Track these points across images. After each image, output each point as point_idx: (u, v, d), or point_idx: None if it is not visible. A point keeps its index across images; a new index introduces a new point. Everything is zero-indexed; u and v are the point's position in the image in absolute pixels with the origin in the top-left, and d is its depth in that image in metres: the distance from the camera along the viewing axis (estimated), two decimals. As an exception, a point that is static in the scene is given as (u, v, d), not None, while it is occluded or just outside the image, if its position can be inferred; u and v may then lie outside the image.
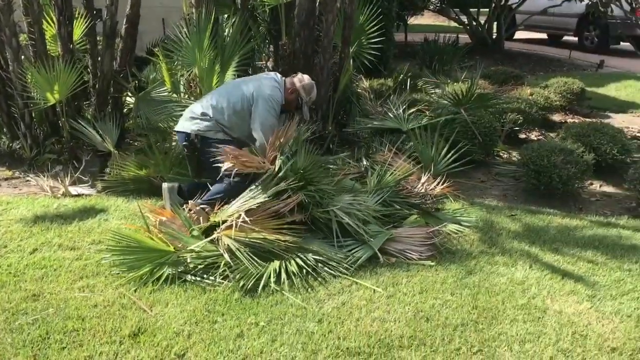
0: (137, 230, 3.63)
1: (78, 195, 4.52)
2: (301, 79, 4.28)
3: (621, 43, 14.19)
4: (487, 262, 3.61)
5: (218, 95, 4.19)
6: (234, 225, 3.36)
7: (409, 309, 3.07)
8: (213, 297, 3.11)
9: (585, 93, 7.79)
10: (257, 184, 3.69)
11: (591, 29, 13.97)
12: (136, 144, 5.74)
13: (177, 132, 4.24)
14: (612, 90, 9.42)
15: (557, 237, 4.02)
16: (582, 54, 13.20)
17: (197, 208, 3.75)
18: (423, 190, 4.31)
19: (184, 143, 4.14)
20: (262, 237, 3.38)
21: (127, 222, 3.96)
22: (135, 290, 3.15)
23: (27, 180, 4.82)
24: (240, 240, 3.35)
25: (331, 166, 4.72)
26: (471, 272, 3.47)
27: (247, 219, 3.38)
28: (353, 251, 3.56)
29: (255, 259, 3.31)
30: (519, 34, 15.61)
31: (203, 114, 4.08)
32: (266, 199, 3.55)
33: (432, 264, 3.54)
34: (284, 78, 4.31)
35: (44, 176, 4.81)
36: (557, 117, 7.31)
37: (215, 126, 4.06)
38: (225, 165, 3.67)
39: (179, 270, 3.30)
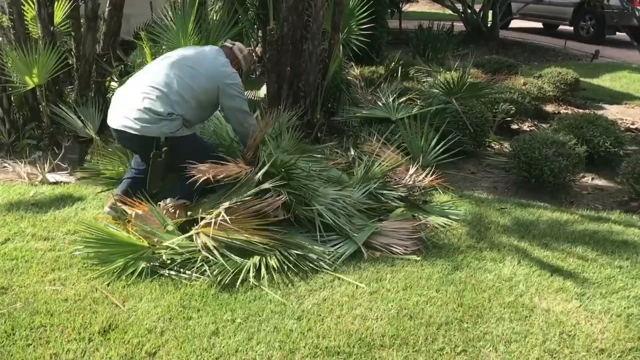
0: (112, 223, 3.51)
1: (56, 183, 4.38)
2: (241, 49, 3.93)
3: (617, 33, 14.08)
4: (474, 257, 3.51)
5: (175, 86, 3.55)
6: (212, 223, 3.22)
7: (392, 306, 2.97)
8: (189, 292, 3.00)
9: (580, 84, 7.67)
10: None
11: (587, 19, 13.83)
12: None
13: (137, 135, 3.48)
14: (607, 80, 9.31)
15: (547, 231, 3.91)
16: (577, 44, 13.07)
17: (175, 202, 3.61)
18: (411, 182, 4.20)
19: (146, 149, 3.54)
20: (243, 237, 3.22)
21: (104, 213, 3.82)
22: (108, 284, 3.03)
23: (4, 167, 4.67)
24: (219, 239, 3.21)
25: (318, 156, 4.60)
26: (458, 268, 3.37)
27: (226, 217, 3.22)
28: (337, 246, 3.44)
29: (234, 257, 3.18)
30: (514, 23, 15.46)
31: (170, 114, 3.48)
32: (247, 197, 3.40)
33: (418, 258, 3.43)
34: (216, 48, 3.91)
35: (22, 162, 4.68)
36: (550, 108, 7.20)
37: (182, 123, 3.56)
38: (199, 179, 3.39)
39: (155, 264, 3.17)
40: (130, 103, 3.53)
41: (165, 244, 3.23)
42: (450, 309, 2.97)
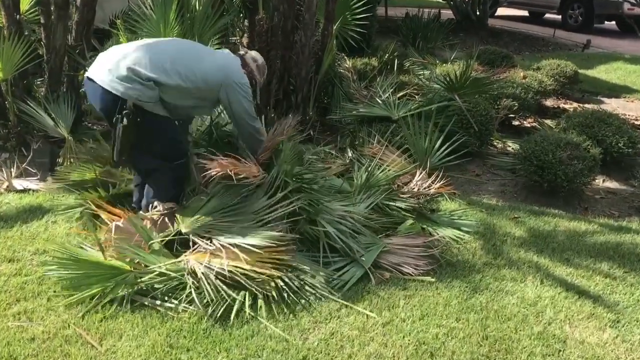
0: (87, 241, 3.10)
1: (24, 191, 3.93)
2: (254, 58, 3.49)
3: (606, 22, 13.86)
4: (493, 276, 3.17)
5: (173, 58, 3.15)
6: (208, 253, 2.83)
7: (409, 340, 2.62)
8: (177, 326, 2.61)
9: (578, 76, 7.37)
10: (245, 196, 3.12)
11: (575, 7, 13.56)
12: (95, 128, 5.17)
13: (102, 89, 3.04)
14: (602, 72, 9.04)
15: (567, 244, 3.59)
16: (565, 33, 12.81)
17: (163, 206, 3.20)
18: (417, 189, 3.83)
19: (109, 111, 3.06)
20: (243, 269, 2.80)
21: (77, 225, 3.40)
22: (82, 317, 2.62)
23: (-33, 171, 4.21)
24: (213, 268, 2.80)
25: (314, 157, 4.22)
26: (477, 290, 3.03)
27: (222, 248, 2.85)
28: (342, 270, 3.06)
29: (226, 289, 2.75)
30: (500, 11, 15.14)
31: (148, 79, 3.03)
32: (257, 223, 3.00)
33: (432, 280, 3.08)
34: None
35: (-14, 166, 4.22)
36: (549, 102, 6.90)
37: (156, 98, 3.10)
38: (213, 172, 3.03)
39: (136, 290, 2.77)
40: (115, 55, 3.12)
41: (151, 267, 2.82)
42: (475, 343, 2.63)
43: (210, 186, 3.15)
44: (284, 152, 3.36)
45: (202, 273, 2.74)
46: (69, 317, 2.62)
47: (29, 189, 3.96)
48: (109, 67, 3.06)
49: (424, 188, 3.87)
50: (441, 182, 3.94)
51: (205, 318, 2.65)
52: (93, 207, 3.33)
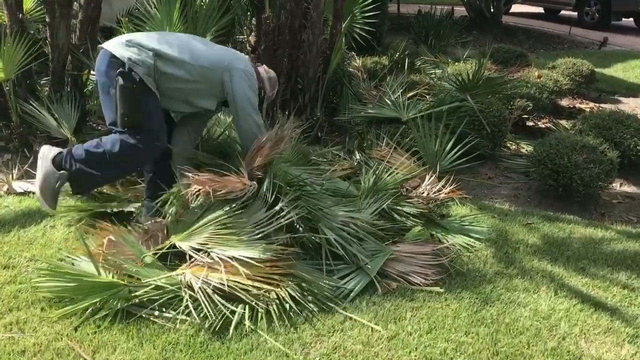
0: (82, 253, 2.99)
1: (24, 194, 3.85)
2: (267, 70, 3.43)
3: (623, 19, 13.59)
4: (504, 287, 3.04)
5: (178, 39, 3.23)
6: (205, 267, 2.73)
7: (415, 356, 2.49)
8: (173, 339, 2.50)
9: (595, 75, 7.18)
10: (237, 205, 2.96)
11: (592, 4, 13.31)
12: (100, 128, 5.08)
13: (106, 51, 3.05)
14: (619, 71, 8.83)
15: (582, 252, 3.45)
16: (582, 30, 12.57)
17: (150, 221, 3.11)
18: (426, 194, 3.70)
19: (104, 70, 3.04)
20: (242, 284, 2.68)
21: (76, 231, 3.31)
22: (76, 329, 2.53)
23: (-33, 173, 4.14)
24: (210, 282, 2.67)
25: (320, 159, 4.11)
26: (487, 302, 2.89)
27: (220, 261, 2.73)
28: (346, 279, 2.93)
29: (224, 302, 2.64)
30: (515, 8, 14.90)
31: (150, 49, 3.04)
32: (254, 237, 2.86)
33: (441, 290, 2.95)
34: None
35: (-13, 168, 4.15)
36: (565, 102, 6.72)
37: (150, 64, 3.03)
38: (190, 190, 2.91)
39: (131, 302, 2.67)
40: (128, 35, 3.20)
41: (146, 281, 2.72)
42: (484, 359, 2.50)
43: (198, 200, 2.99)
44: (275, 164, 3.19)
45: (200, 288, 2.63)
46: (62, 328, 2.52)
47: (30, 192, 3.87)
48: (117, 38, 3.13)
49: (434, 192, 3.73)
50: (452, 186, 3.80)
51: (203, 331, 2.54)
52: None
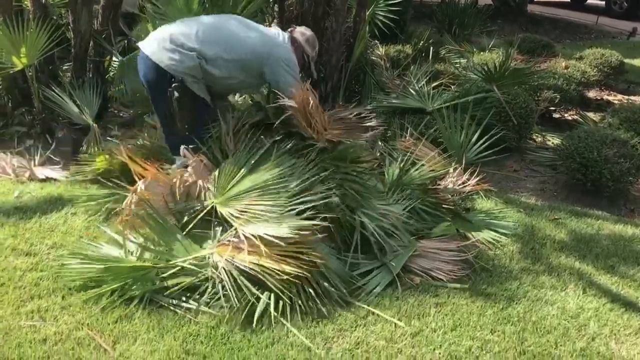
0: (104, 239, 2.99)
1: (45, 180, 3.84)
2: (303, 32, 3.50)
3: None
4: (531, 284, 2.96)
5: (215, 30, 3.24)
6: (231, 246, 2.69)
7: (439, 353, 2.44)
8: (194, 330, 2.47)
9: (624, 66, 7.00)
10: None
11: (620, -7, 13.02)
12: (121, 115, 5.07)
13: (151, 60, 3.17)
14: (649, 62, 8.62)
15: (612, 250, 3.36)
16: (609, 20, 12.30)
17: (194, 161, 3.10)
18: (451, 186, 3.62)
19: (155, 81, 3.22)
20: (266, 268, 2.61)
21: (96, 218, 3.29)
22: (97, 318, 2.51)
23: (-9, 158, 4.13)
24: (237, 265, 2.63)
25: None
26: (513, 299, 2.82)
27: (245, 239, 2.69)
28: (369, 276, 2.87)
29: (250, 286, 2.60)
30: (540, -4, 14.65)
31: (191, 49, 3.12)
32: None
33: (466, 286, 2.89)
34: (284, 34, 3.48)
35: (10, 153, 4.14)
36: (592, 94, 6.57)
37: (197, 70, 3.17)
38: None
39: (155, 289, 2.64)
40: (165, 29, 3.27)
41: (171, 262, 2.69)
42: (511, 358, 2.45)
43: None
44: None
45: (224, 269, 2.59)
46: (83, 317, 2.51)
47: (51, 178, 3.87)
48: (157, 39, 3.21)
49: (459, 185, 3.66)
50: (477, 179, 3.72)
51: (224, 323, 2.51)
52: (124, 157, 3.19)
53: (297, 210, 2.77)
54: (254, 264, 2.62)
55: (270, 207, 2.78)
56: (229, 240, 2.74)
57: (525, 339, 2.56)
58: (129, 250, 2.80)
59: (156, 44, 3.19)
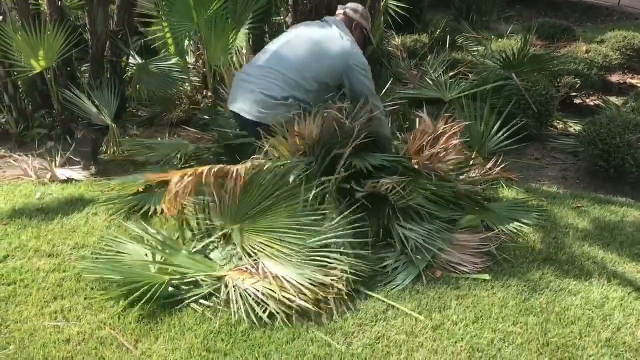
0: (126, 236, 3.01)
1: (67, 181, 3.89)
2: (355, 9, 3.54)
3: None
4: (554, 274, 2.92)
5: (297, 67, 3.26)
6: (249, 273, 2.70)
7: (462, 347, 2.42)
8: (214, 328, 2.48)
9: (648, 49, 6.84)
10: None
11: (643, -28, 12.71)
12: (140, 114, 5.11)
13: (251, 121, 3.26)
14: (673, 43, 8.40)
15: (637, 237, 3.30)
16: (632, 1, 12.02)
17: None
18: (475, 176, 3.58)
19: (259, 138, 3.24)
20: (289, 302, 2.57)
21: (117, 218, 3.32)
22: (119, 318, 2.53)
23: (12, 162, 4.19)
24: (252, 291, 2.62)
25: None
26: (536, 290, 2.79)
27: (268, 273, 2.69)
28: (392, 267, 2.86)
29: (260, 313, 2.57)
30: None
31: (286, 98, 3.23)
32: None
33: (488, 278, 2.85)
34: (336, 21, 3.50)
35: (32, 155, 4.20)
36: (615, 78, 6.44)
37: (301, 109, 3.24)
38: None
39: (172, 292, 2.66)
40: (248, 85, 3.32)
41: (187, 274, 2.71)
42: (534, 350, 2.41)
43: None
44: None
45: (241, 294, 2.61)
46: (106, 317, 2.53)
47: (72, 179, 3.91)
48: (248, 99, 3.27)
49: (482, 175, 3.61)
50: (499, 168, 3.68)
51: (244, 320, 2.51)
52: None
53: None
54: (265, 291, 2.61)
55: (289, 253, 2.76)
56: (247, 268, 2.74)
57: (548, 330, 2.53)
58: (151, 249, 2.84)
59: (250, 104, 3.25)
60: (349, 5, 3.58)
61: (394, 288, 2.76)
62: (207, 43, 4.56)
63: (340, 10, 3.58)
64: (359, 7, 3.57)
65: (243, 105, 3.29)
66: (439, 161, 3.21)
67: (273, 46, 3.46)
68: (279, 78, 3.25)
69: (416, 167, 3.19)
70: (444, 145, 3.22)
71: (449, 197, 3.26)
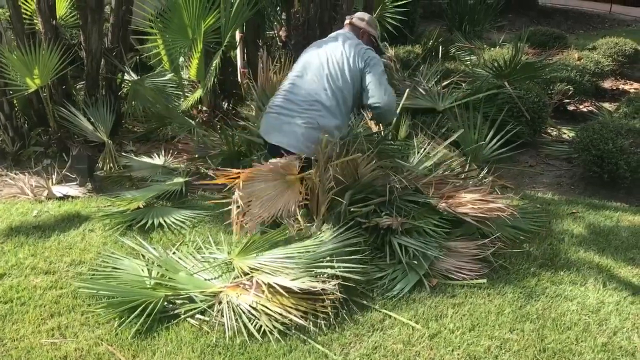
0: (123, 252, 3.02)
1: (63, 198, 3.90)
2: (361, 18, 3.54)
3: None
4: (549, 280, 2.93)
5: (327, 93, 3.23)
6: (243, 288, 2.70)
7: (458, 354, 2.42)
8: (211, 342, 2.48)
9: (639, 54, 6.90)
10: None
11: (633, -21, 12.85)
12: (136, 129, 5.14)
13: (296, 154, 3.17)
14: (665, 48, 8.47)
15: (631, 241, 3.31)
16: (623, 8, 12.17)
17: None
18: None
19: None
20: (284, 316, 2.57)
21: (115, 234, 3.34)
22: (116, 334, 2.53)
23: (8, 180, 4.20)
24: (245, 307, 2.62)
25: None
26: (532, 296, 2.79)
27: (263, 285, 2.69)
28: (391, 275, 2.87)
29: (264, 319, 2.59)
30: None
31: (338, 126, 3.25)
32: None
33: (483, 281, 2.86)
34: (345, 30, 3.53)
35: (28, 173, 4.21)
36: (607, 84, 6.48)
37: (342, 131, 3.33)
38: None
39: (171, 306, 2.67)
40: (287, 118, 3.24)
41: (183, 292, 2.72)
42: (531, 357, 2.41)
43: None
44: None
45: (234, 310, 2.61)
46: (103, 333, 2.53)
47: (68, 196, 3.92)
48: (290, 131, 3.20)
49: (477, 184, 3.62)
50: (493, 176, 3.70)
51: (241, 332, 2.51)
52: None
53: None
54: (258, 306, 2.61)
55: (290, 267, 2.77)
56: (242, 284, 2.75)
57: (545, 336, 2.53)
58: (147, 264, 2.85)
59: (294, 138, 3.19)
60: (356, 14, 3.61)
61: (391, 297, 2.76)
62: (192, 59, 4.62)
63: (347, 21, 3.60)
64: (365, 15, 3.59)
65: (287, 138, 3.21)
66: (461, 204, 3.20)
67: (300, 76, 3.38)
68: (324, 106, 3.22)
69: (439, 208, 3.18)
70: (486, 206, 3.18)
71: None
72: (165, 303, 2.67)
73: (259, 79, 4.26)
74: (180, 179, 3.97)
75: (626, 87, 6.55)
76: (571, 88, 5.24)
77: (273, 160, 3.11)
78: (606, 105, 5.71)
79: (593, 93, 5.78)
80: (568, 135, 4.97)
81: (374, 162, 3.22)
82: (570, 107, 5.64)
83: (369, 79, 3.27)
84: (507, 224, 3.31)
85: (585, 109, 5.68)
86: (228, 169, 3.06)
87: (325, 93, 3.23)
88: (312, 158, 3.14)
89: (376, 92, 3.26)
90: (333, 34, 3.56)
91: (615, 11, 11.73)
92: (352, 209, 3.09)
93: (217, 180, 3.04)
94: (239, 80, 5.53)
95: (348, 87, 3.26)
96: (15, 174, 4.22)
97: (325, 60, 3.31)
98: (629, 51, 6.66)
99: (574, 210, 3.67)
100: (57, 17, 4.71)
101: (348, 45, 3.35)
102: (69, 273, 2.99)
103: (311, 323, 2.56)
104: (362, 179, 3.21)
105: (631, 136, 3.88)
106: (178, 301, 2.70)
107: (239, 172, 2.99)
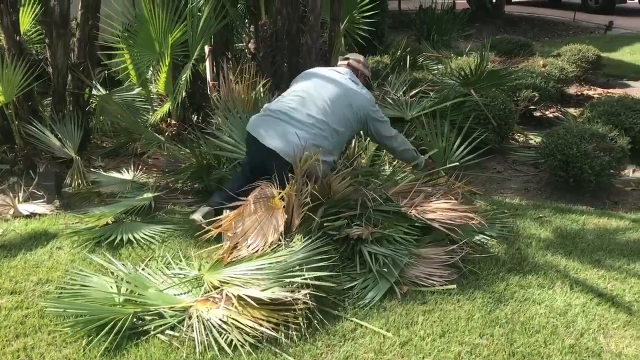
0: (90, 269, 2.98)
1: (30, 216, 3.83)
2: (357, 60, 3.80)
3: (628, 1, 13.42)
4: (518, 284, 2.97)
5: (328, 119, 3.37)
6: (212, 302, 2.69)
7: (429, 361, 2.44)
8: (182, 357, 2.46)
9: (602, 60, 7.07)
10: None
11: (595, -13, 13.17)
12: (104, 145, 5.08)
13: (286, 162, 3.25)
14: (627, 54, 8.71)
15: (597, 244, 3.37)
16: (586, 15, 12.46)
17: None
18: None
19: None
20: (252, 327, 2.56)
21: (83, 251, 3.29)
22: (84, 353, 2.49)
23: (-26, 199, 4.13)
24: (216, 321, 2.60)
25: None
26: (501, 301, 2.83)
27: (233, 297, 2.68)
28: (362, 284, 2.88)
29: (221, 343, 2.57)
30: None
31: (330, 152, 3.42)
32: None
33: (453, 287, 2.89)
34: (348, 70, 3.70)
35: (-6, 192, 4.14)
36: (572, 90, 6.62)
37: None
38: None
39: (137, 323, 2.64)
40: (292, 129, 3.32)
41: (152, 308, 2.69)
42: (501, 361, 2.44)
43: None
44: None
45: (203, 324, 2.59)
46: (70, 352, 2.49)
47: (35, 214, 3.86)
48: (290, 141, 3.25)
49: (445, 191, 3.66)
50: (461, 182, 3.74)
51: (212, 347, 2.49)
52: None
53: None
54: (229, 320, 2.59)
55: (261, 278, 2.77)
56: (212, 297, 2.73)
57: (514, 340, 2.56)
58: (116, 281, 2.81)
59: (285, 142, 3.26)
60: (351, 55, 3.80)
61: (363, 306, 2.77)
62: (160, 73, 4.60)
63: (343, 61, 3.78)
64: (360, 57, 3.82)
65: (284, 147, 3.26)
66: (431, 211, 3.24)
67: (308, 97, 3.46)
68: (326, 130, 3.34)
69: (410, 215, 3.22)
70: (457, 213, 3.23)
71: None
72: (135, 319, 2.64)
73: (221, 90, 4.29)
74: (150, 194, 3.94)
75: (590, 92, 6.70)
76: (537, 94, 5.34)
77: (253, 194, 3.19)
78: (572, 110, 5.83)
79: (558, 99, 5.89)
80: (535, 141, 5.05)
81: (348, 178, 3.24)
82: (537, 113, 5.74)
83: (381, 133, 3.61)
84: (476, 230, 3.35)
85: (551, 115, 5.79)
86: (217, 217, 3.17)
87: (332, 115, 3.38)
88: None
89: (393, 146, 3.66)
90: (342, 69, 3.69)
91: (578, 19, 12.00)
92: (325, 223, 3.10)
93: (212, 232, 3.12)
94: (209, 92, 5.52)
95: (346, 132, 3.48)
96: (-20, 192, 4.15)
97: (335, 97, 3.45)
98: (592, 57, 6.82)
99: (541, 215, 3.73)
100: (22, 32, 4.65)
101: (354, 90, 3.54)
102: (36, 292, 2.94)
103: (283, 334, 2.56)
104: (336, 196, 3.22)
105: (594, 140, 3.96)
106: (147, 317, 2.67)
107: (226, 218, 3.09)
